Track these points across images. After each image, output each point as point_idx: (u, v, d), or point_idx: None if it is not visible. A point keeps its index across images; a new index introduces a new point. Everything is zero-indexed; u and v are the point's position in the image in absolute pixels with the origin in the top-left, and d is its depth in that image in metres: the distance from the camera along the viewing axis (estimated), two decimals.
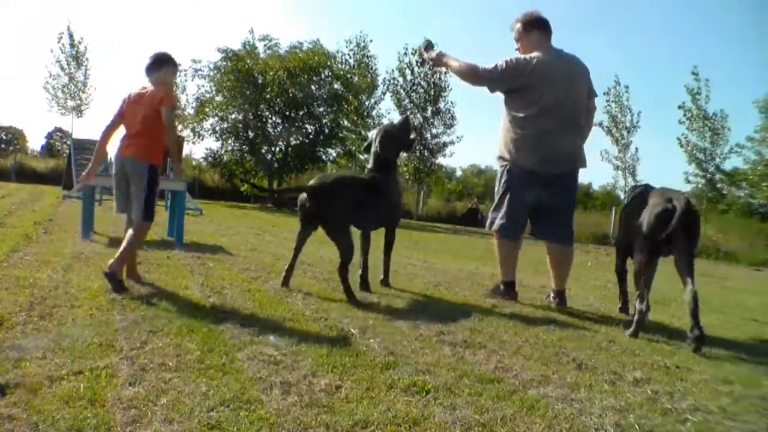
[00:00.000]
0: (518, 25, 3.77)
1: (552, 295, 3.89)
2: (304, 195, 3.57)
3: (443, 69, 3.91)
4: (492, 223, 3.81)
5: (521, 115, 3.64)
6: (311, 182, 3.62)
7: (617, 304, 3.94)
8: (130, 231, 3.31)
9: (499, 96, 3.81)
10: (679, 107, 18.44)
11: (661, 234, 2.91)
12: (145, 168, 3.33)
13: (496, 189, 3.87)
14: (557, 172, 3.66)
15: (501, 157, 3.79)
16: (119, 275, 3.11)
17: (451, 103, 23.46)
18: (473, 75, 3.72)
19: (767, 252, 14.80)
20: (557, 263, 3.84)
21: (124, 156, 3.40)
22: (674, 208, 2.88)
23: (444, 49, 3.94)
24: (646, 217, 3.07)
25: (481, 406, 1.75)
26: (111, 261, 3.10)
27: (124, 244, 3.24)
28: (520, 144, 3.65)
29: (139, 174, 3.32)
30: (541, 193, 3.64)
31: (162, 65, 3.54)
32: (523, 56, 3.65)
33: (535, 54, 3.64)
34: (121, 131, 3.53)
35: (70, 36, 24.27)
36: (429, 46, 4.03)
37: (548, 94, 3.57)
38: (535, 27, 3.72)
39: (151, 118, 3.35)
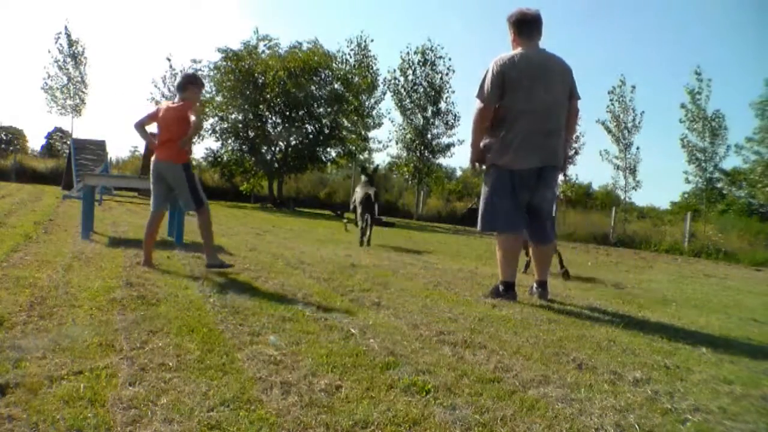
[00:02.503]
0: (506, 23, 3.87)
1: (535, 286, 3.99)
2: None
3: (481, 151, 3.93)
4: (479, 222, 3.92)
5: (501, 114, 3.72)
6: None
7: (617, 304, 3.95)
8: (198, 223, 4.11)
9: None
10: (682, 106, 18.45)
11: None
12: (179, 168, 4.02)
13: (482, 191, 3.96)
14: (532, 167, 3.70)
15: (487, 158, 3.86)
16: (213, 258, 3.98)
17: (453, 104, 23.52)
18: (477, 120, 3.79)
19: (767, 252, 14.79)
20: (539, 258, 3.98)
21: (160, 160, 4.09)
22: None
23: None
24: None
25: (481, 406, 1.75)
26: (205, 256, 4.02)
27: (202, 236, 4.08)
28: (497, 144, 3.73)
29: (177, 174, 4.03)
30: (522, 191, 3.72)
31: (188, 86, 4.16)
32: (499, 59, 3.70)
33: (513, 53, 3.71)
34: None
35: (68, 36, 24.34)
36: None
37: (523, 90, 3.62)
38: (518, 25, 3.78)
39: (180, 127, 3.99)
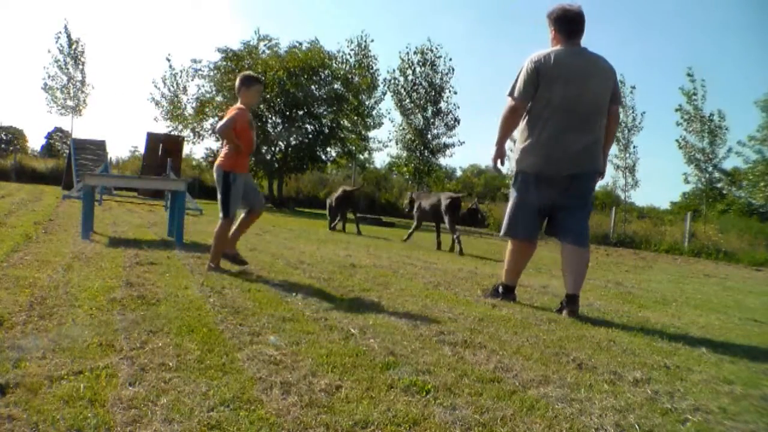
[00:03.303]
0: (546, 19, 3.64)
1: (564, 301, 3.60)
2: None
3: (505, 151, 3.82)
4: (503, 227, 3.75)
5: (532, 115, 3.53)
6: None
7: (617, 304, 3.95)
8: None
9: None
10: (677, 110, 18.44)
11: None
12: (219, 172, 4.07)
13: (510, 193, 3.80)
14: (566, 174, 3.51)
15: (516, 162, 3.66)
16: (213, 261, 4.09)
17: (455, 105, 23.52)
18: (507, 118, 3.59)
19: (767, 252, 14.79)
20: (572, 265, 3.58)
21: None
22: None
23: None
24: None
25: (481, 406, 1.75)
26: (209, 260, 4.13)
27: (213, 240, 4.19)
28: (528, 147, 3.54)
29: (216, 177, 4.13)
30: (552, 196, 3.54)
31: (240, 87, 4.11)
32: (534, 55, 3.49)
33: (550, 50, 3.50)
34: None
35: (68, 36, 24.32)
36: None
37: (559, 90, 3.42)
38: (559, 22, 3.56)
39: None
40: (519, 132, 3.65)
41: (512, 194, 3.74)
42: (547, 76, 3.42)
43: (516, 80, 3.53)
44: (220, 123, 4.02)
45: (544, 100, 3.46)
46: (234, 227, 4.23)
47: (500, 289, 3.80)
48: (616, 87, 3.63)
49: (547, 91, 3.44)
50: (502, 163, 3.78)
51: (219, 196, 4.10)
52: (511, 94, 3.55)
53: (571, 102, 3.44)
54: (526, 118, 3.57)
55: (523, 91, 3.49)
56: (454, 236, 8.12)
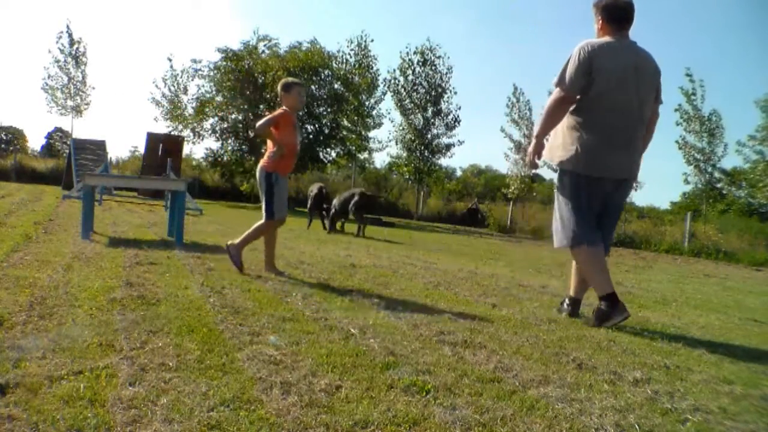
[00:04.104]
0: (592, 8, 3.40)
1: (566, 302, 3.54)
2: None
3: (544, 145, 3.48)
4: (567, 238, 3.32)
5: (582, 111, 3.24)
6: None
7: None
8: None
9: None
10: (676, 110, 18.43)
11: None
12: (262, 173, 4.13)
13: (558, 200, 3.42)
14: (617, 178, 3.30)
15: (562, 163, 3.33)
16: (233, 252, 4.09)
17: (456, 105, 23.54)
18: (553, 109, 3.28)
19: (767, 252, 14.79)
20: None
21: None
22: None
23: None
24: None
25: (481, 406, 1.75)
26: (232, 243, 4.15)
27: (248, 232, 4.17)
28: (582, 147, 3.23)
29: (258, 177, 4.18)
30: (599, 201, 3.32)
31: (281, 92, 4.20)
32: (587, 44, 3.22)
33: (602, 40, 3.24)
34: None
35: (69, 36, 24.32)
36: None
37: (613, 85, 3.17)
38: (608, 10, 3.30)
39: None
40: (564, 129, 3.33)
41: (562, 200, 3.36)
42: (601, 68, 3.15)
43: (565, 69, 3.21)
44: (260, 121, 4.05)
45: (597, 94, 3.18)
46: (265, 247, 4.26)
47: (603, 305, 3.27)
48: (659, 86, 3.41)
49: (601, 84, 3.16)
50: (539, 158, 3.43)
51: (262, 197, 4.13)
52: (560, 83, 3.23)
53: (625, 100, 3.20)
54: (575, 113, 3.28)
55: (575, 82, 3.17)
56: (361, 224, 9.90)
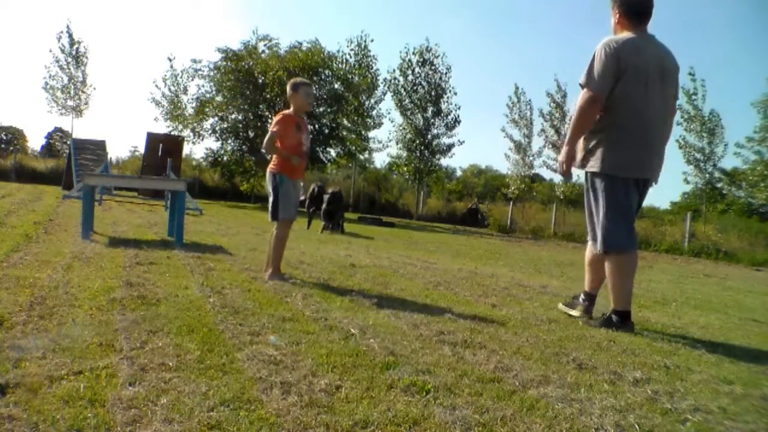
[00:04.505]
0: (611, 1, 3.28)
1: (582, 297, 3.44)
2: None
3: (577, 153, 3.29)
4: (604, 241, 3.18)
5: (609, 113, 3.12)
6: None
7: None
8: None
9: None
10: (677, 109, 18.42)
11: None
12: (269, 174, 4.02)
13: (589, 202, 3.31)
14: (648, 177, 3.21)
15: (590, 166, 3.23)
16: (274, 274, 3.92)
17: (456, 105, 23.52)
18: (585, 112, 3.13)
19: (767, 252, 14.79)
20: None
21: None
22: None
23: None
24: None
25: (481, 406, 1.75)
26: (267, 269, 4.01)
27: (271, 247, 4.03)
28: (617, 147, 3.13)
29: (268, 179, 4.05)
30: (633, 202, 3.21)
31: (288, 94, 4.13)
32: (612, 41, 3.10)
33: (625, 37, 3.12)
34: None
35: (70, 36, 24.31)
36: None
37: (641, 83, 3.07)
38: (627, 4, 3.19)
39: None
40: (598, 131, 3.20)
41: (602, 201, 3.20)
42: (628, 66, 3.04)
43: (591, 68, 3.10)
44: (265, 140, 3.98)
45: (622, 93, 3.07)
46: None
47: (614, 318, 3.19)
48: (678, 83, 3.34)
49: (627, 83, 3.06)
50: (570, 165, 3.28)
51: (269, 199, 4.02)
52: (587, 84, 3.10)
53: (649, 99, 3.10)
54: (603, 113, 3.15)
55: (604, 81, 3.05)
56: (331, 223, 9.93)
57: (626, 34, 3.15)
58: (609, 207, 3.17)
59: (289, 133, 4.04)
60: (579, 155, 3.28)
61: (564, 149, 3.29)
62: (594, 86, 3.07)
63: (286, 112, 4.10)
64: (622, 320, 3.17)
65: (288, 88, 4.17)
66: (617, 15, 3.24)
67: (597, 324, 3.24)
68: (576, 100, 3.23)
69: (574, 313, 3.47)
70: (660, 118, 3.18)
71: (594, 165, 3.20)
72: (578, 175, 18.24)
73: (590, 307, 3.47)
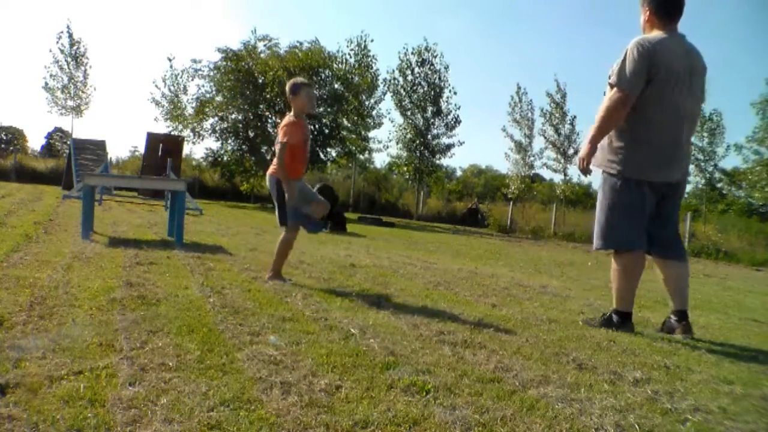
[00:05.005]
0: None
1: (672, 318, 3.23)
2: None
3: (597, 151, 3.18)
4: (606, 241, 3.20)
5: (639, 112, 3.04)
6: None
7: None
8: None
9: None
10: None
11: None
12: (272, 179, 3.87)
13: (601, 203, 3.26)
14: (671, 180, 3.15)
15: (612, 167, 3.17)
16: (274, 275, 3.83)
17: (455, 105, 23.53)
18: (613, 112, 3.04)
19: (767, 252, 14.80)
20: (676, 281, 3.23)
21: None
22: None
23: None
24: None
25: (481, 406, 1.75)
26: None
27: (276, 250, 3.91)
28: (638, 149, 3.08)
29: (269, 184, 3.92)
30: (652, 205, 3.15)
31: (288, 96, 3.92)
32: (644, 39, 3.03)
33: (657, 36, 3.05)
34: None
35: (70, 36, 24.31)
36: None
37: (672, 84, 3.00)
38: (653, 2, 3.12)
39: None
40: (617, 132, 3.14)
41: (610, 202, 3.18)
42: (660, 66, 2.97)
43: (623, 67, 3.01)
44: (276, 156, 3.79)
45: (653, 94, 3.01)
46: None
47: (614, 318, 3.19)
48: (705, 84, 3.27)
49: (659, 83, 2.99)
50: (589, 162, 3.20)
51: (275, 204, 3.88)
52: (619, 83, 3.01)
53: (679, 100, 3.03)
54: (629, 113, 3.06)
55: (635, 81, 2.97)
56: None
57: (658, 34, 3.07)
58: (619, 206, 3.14)
59: (300, 144, 3.86)
60: (599, 153, 3.20)
61: (586, 146, 3.20)
62: (625, 86, 3.00)
63: (292, 118, 3.85)
64: (622, 320, 3.17)
65: (287, 90, 3.94)
66: (647, 13, 3.16)
67: (597, 324, 3.24)
68: (606, 98, 3.11)
69: (678, 337, 3.15)
70: (687, 120, 3.12)
71: (614, 166, 3.14)
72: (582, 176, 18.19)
73: (687, 325, 3.18)
